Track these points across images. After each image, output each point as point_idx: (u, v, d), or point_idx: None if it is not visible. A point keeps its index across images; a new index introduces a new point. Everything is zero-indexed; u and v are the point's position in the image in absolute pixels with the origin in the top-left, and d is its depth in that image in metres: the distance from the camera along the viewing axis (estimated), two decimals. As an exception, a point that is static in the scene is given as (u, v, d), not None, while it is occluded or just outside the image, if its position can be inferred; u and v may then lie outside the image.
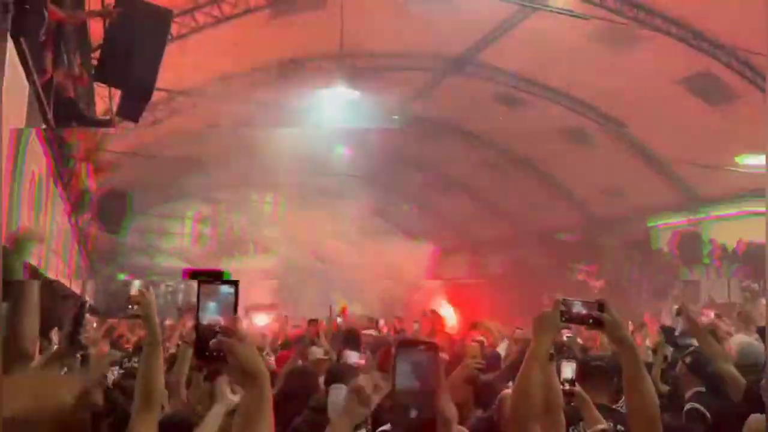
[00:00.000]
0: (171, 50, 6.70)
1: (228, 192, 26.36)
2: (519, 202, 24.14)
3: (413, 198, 27.87)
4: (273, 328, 12.28)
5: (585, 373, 4.12)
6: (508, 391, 3.80)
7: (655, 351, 6.29)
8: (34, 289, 2.63)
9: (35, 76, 4.98)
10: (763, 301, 9.57)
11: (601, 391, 3.99)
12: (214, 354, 1.49)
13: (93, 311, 9.06)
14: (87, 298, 12.12)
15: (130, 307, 3.21)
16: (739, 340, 5.24)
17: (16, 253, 2.11)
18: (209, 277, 1.53)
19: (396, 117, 19.54)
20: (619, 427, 3.47)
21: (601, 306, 2.28)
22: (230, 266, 24.44)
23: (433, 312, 12.35)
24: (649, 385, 2.30)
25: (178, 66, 7.02)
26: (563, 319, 2.31)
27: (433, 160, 24.09)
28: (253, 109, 16.96)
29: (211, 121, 17.99)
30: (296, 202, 28.17)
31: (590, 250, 22.33)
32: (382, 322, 12.57)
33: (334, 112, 17.32)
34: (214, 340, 1.49)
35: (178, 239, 27.23)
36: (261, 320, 15.45)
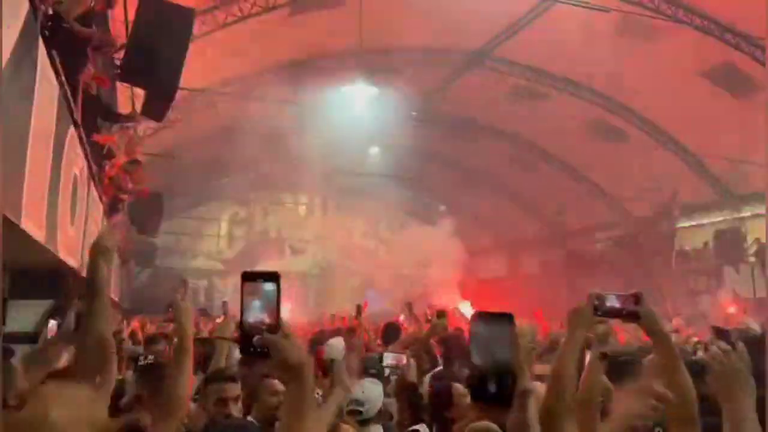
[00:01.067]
0: (191, 49, 6.80)
1: (261, 194, 26.63)
2: (551, 200, 23.90)
3: (443, 196, 27.80)
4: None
5: (612, 369, 4.07)
6: (536, 383, 3.77)
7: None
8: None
9: (63, 77, 5.09)
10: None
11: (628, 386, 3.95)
12: (259, 350, 1.53)
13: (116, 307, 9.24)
14: (119, 300, 12.37)
15: (167, 312, 3.29)
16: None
17: (101, 256, 2.19)
18: (259, 277, 1.58)
19: (414, 113, 19.53)
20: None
21: (637, 299, 2.25)
22: (264, 267, 24.87)
23: (455, 309, 12.37)
24: (686, 379, 2.27)
25: (198, 65, 7.12)
26: (597, 313, 2.27)
27: (461, 157, 24.01)
28: (274, 108, 17.10)
29: (231, 120, 18.20)
30: (328, 203, 28.43)
31: (626, 249, 21.96)
32: (402, 317, 12.66)
33: (355, 109, 17.42)
34: (258, 337, 1.52)
35: (213, 241, 27.60)
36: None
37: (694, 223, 20.94)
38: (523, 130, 21.44)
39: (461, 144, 22.30)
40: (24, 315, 6.38)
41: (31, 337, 5.93)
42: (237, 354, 3.90)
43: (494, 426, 3.37)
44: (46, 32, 4.62)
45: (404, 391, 4.54)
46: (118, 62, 9.03)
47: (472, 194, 25.40)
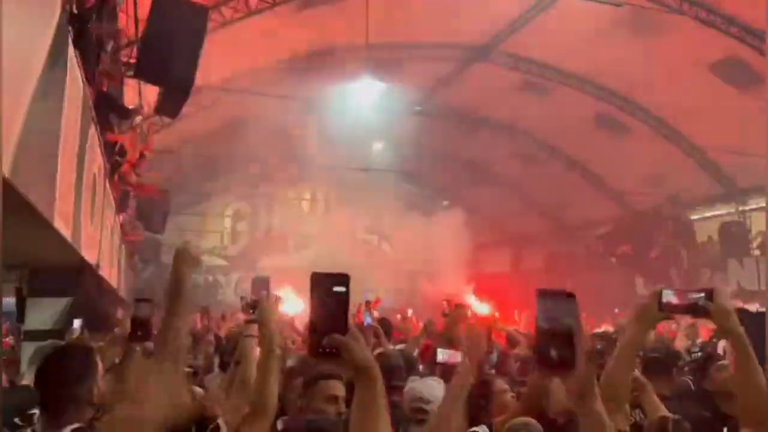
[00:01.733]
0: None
1: (264, 189, 26.61)
2: (554, 194, 23.92)
3: (448, 191, 27.79)
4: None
5: (644, 365, 4.13)
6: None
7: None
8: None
9: (83, 76, 5.09)
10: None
11: (659, 382, 3.99)
12: (327, 350, 1.53)
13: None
14: (126, 296, 12.40)
15: (250, 311, 3.28)
16: None
17: (185, 263, 2.32)
18: (329, 278, 1.59)
19: (419, 108, 19.52)
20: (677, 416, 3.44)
21: (709, 295, 2.16)
22: (268, 263, 24.86)
23: (459, 306, 12.34)
24: (760, 377, 2.20)
25: (204, 61, 7.11)
26: (663, 309, 2.20)
27: (465, 151, 24.01)
28: (280, 103, 17.09)
29: (239, 116, 18.17)
30: (332, 198, 28.41)
31: (629, 242, 21.98)
32: (410, 312, 12.58)
33: (360, 104, 17.39)
34: (327, 337, 1.53)
35: (216, 237, 27.58)
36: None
37: (698, 216, 20.97)
38: (527, 125, 21.44)
39: (465, 138, 22.30)
40: (44, 312, 6.42)
41: (55, 334, 5.96)
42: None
43: (533, 421, 3.38)
44: (72, 31, 4.62)
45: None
46: (125, 59, 9.05)
47: (476, 188, 25.40)
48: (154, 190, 11.57)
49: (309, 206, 29.13)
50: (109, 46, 7.44)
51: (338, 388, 3.40)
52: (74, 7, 4.60)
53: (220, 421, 2.62)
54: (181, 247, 2.36)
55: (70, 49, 3.99)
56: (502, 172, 25.08)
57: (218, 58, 14.63)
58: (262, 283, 3.44)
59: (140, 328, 3.28)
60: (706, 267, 19.66)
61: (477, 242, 24.21)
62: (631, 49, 15.73)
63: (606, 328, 10.58)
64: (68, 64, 3.89)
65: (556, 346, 1.54)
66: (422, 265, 22.15)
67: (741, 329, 2.18)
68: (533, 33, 16.37)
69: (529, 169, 23.54)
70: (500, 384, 3.81)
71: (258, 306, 3.03)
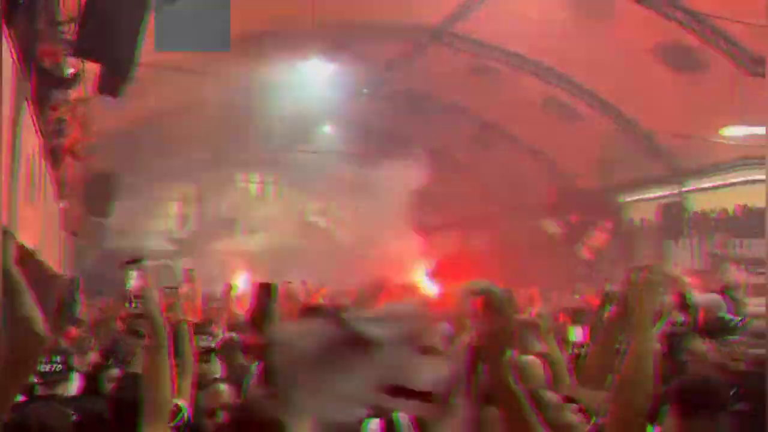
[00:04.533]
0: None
1: (211, 172, 26.15)
2: (506, 177, 24.26)
3: (399, 174, 27.82)
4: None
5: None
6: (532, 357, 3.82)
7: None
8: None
9: (16, 53, 4.91)
10: (727, 266, 9.77)
11: None
12: None
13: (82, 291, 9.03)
14: (77, 275, 12.04)
15: (130, 304, 3.01)
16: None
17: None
18: None
19: (366, 90, 19.46)
20: None
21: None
22: (216, 247, 24.51)
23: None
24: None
25: (149, 41, 6.92)
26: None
27: (415, 133, 24.08)
28: (226, 85, 16.78)
29: (182, 98, 17.77)
30: (281, 182, 28.16)
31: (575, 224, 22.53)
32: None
33: (309, 85, 17.23)
34: None
35: (163, 221, 27.03)
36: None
37: (639, 197, 21.58)
38: (478, 107, 21.62)
39: (416, 121, 22.36)
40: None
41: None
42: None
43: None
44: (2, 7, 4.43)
45: None
46: (67, 36, 8.73)
47: (426, 171, 25.52)
48: (95, 173, 11.22)
49: (258, 189, 28.81)
50: (43, 20, 7.16)
51: None
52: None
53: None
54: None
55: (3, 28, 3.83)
56: (452, 153, 25.27)
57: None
58: (137, 268, 3.11)
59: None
60: (645, 248, 20.30)
61: (428, 225, 24.39)
62: (580, 32, 15.97)
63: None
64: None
65: None
66: (372, 248, 22.22)
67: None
68: (484, 16, 16.45)
69: (481, 150, 23.78)
70: None
71: (140, 296, 2.72)
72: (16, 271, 2.03)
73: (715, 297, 5.28)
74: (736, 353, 4.07)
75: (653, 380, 2.00)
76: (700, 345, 4.46)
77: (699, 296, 5.42)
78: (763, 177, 10.67)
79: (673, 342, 4.21)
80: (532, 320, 4.15)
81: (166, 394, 2.56)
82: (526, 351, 5.35)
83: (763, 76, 12.96)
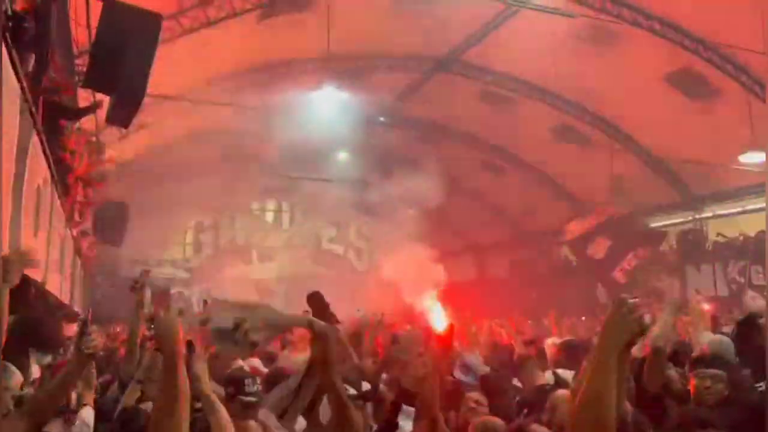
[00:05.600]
0: (157, 54, 6.64)
1: (227, 200, 26.28)
2: (518, 203, 24.15)
3: (413, 201, 27.79)
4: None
5: None
6: (563, 392, 3.75)
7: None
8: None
9: (24, 83, 4.92)
10: (749, 293, 9.52)
11: None
12: None
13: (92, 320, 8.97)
14: (81, 311, 12.04)
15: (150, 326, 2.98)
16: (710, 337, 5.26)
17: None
18: None
19: (382, 119, 19.55)
20: None
21: None
22: (232, 275, 24.50)
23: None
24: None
25: (165, 71, 6.96)
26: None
27: (429, 160, 24.08)
28: (241, 114, 16.93)
29: (200, 126, 17.94)
30: (296, 209, 28.23)
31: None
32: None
33: (323, 114, 17.32)
34: None
35: (179, 249, 27.12)
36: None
37: (657, 224, 21.32)
38: (490, 134, 21.60)
39: (429, 148, 22.37)
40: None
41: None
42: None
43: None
44: (8, 35, 4.46)
45: None
46: (79, 68, 8.83)
47: (440, 197, 25.44)
48: (107, 201, 11.27)
49: (273, 217, 28.88)
50: (56, 54, 7.24)
51: None
52: (9, 8, 4.44)
53: None
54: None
55: (4, 55, 3.84)
56: (465, 180, 25.22)
57: (178, 68, 14.46)
58: (162, 293, 3.12)
59: None
60: (665, 274, 19.97)
61: (442, 250, 24.24)
62: (589, 60, 16.00)
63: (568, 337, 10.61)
64: (1, 70, 3.74)
65: None
66: (388, 274, 22.05)
67: None
68: (494, 44, 16.52)
69: (493, 177, 23.72)
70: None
71: (155, 319, 2.53)
72: None
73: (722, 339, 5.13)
74: (705, 384, 4.09)
75: (611, 414, 1.89)
76: (672, 373, 4.46)
77: (707, 335, 5.36)
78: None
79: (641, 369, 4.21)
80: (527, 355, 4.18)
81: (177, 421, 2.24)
82: (531, 381, 5.25)
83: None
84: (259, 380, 3.91)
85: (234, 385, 3.67)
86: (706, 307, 7.49)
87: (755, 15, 11.59)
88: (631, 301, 1.96)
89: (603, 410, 1.88)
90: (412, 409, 3.87)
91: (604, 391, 1.88)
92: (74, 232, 10.61)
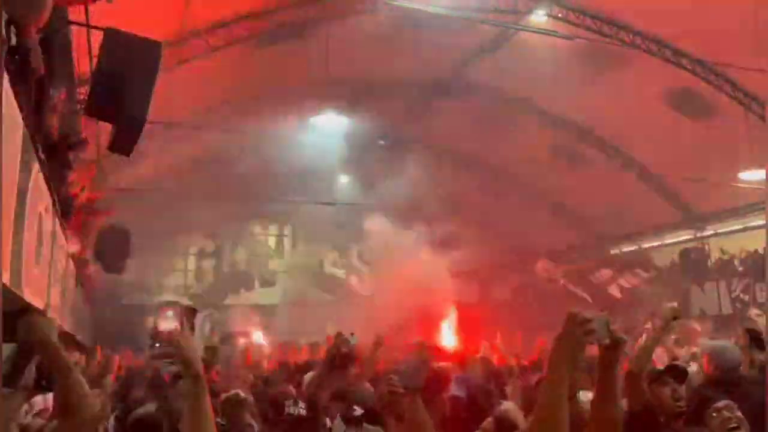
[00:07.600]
0: (158, 82, 6.71)
1: (229, 226, 26.29)
2: (518, 224, 24.13)
3: (414, 224, 27.80)
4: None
5: None
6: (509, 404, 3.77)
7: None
8: None
9: (26, 113, 4.96)
10: (753, 311, 9.45)
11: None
12: None
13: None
14: (83, 339, 12.01)
15: (153, 345, 2.95)
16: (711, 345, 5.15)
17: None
18: None
19: (382, 142, 19.66)
20: None
21: None
22: (235, 301, 24.38)
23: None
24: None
25: (166, 98, 7.04)
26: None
27: (432, 184, 24.14)
28: (242, 139, 17.05)
29: (198, 153, 18.03)
30: (298, 233, 28.22)
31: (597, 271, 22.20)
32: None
33: (323, 139, 17.44)
34: None
35: (181, 276, 27.07)
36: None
37: (658, 243, 21.31)
38: (491, 157, 21.68)
39: (430, 171, 22.43)
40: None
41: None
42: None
43: None
44: (11, 66, 4.50)
45: None
46: (81, 95, 8.91)
47: (443, 221, 25.47)
48: (109, 228, 11.30)
49: (275, 242, 28.87)
50: (60, 84, 7.32)
51: None
52: (12, 37, 4.48)
53: None
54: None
55: (6, 84, 3.88)
56: (468, 204, 25.24)
57: (179, 95, 14.58)
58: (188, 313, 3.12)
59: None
60: (669, 293, 19.89)
61: (444, 272, 24.16)
62: (588, 80, 16.13)
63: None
64: (3, 99, 3.77)
65: None
66: (391, 299, 22.01)
67: None
68: (493, 67, 16.67)
69: (495, 200, 23.73)
70: None
71: (171, 337, 2.47)
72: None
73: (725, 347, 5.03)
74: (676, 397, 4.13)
75: (563, 416, 1.97)
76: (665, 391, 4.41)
77: (708, 343, 5.29)
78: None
79: None
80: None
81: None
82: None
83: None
84: None
85: None
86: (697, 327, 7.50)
87: (753, 34, 11.72)
88: (582, 315, 2.05)
89: (556, 420, 1.96)
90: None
91: (556, 402, 1.96)
92: (76, 260, 10.62)
